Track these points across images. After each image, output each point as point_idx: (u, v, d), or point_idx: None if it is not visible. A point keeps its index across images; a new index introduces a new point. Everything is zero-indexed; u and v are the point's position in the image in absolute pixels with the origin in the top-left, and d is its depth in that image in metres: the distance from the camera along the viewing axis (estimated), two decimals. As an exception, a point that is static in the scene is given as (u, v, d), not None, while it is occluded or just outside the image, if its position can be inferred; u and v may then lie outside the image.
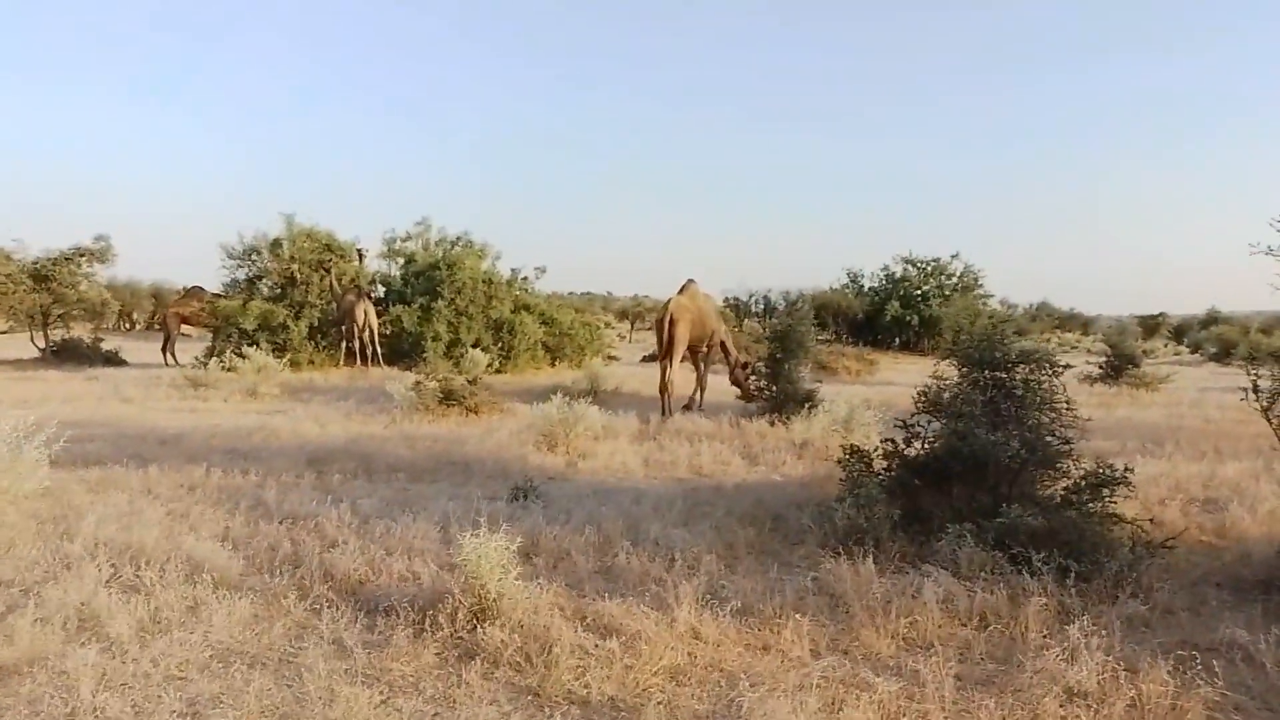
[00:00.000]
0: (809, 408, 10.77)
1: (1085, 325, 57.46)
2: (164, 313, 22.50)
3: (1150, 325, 52.37)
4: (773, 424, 11.22)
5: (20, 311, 23.38)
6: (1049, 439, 5.62)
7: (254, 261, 20.88)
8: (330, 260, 20.38)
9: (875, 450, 6.30)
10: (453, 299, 19.85)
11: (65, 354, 22.24)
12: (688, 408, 13.76)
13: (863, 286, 39.52)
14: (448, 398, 12.17)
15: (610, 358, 26.06)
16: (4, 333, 28.97)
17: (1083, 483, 5.25)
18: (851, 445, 6.34)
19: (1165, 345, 44.85)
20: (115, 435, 9.88)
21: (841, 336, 36.48)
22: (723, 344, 14.61)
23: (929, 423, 6.12)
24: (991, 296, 37.08)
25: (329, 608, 4.13)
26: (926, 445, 5.98)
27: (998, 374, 5.82)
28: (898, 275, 37.88)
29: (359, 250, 21.10)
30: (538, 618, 3.91)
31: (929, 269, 37.25)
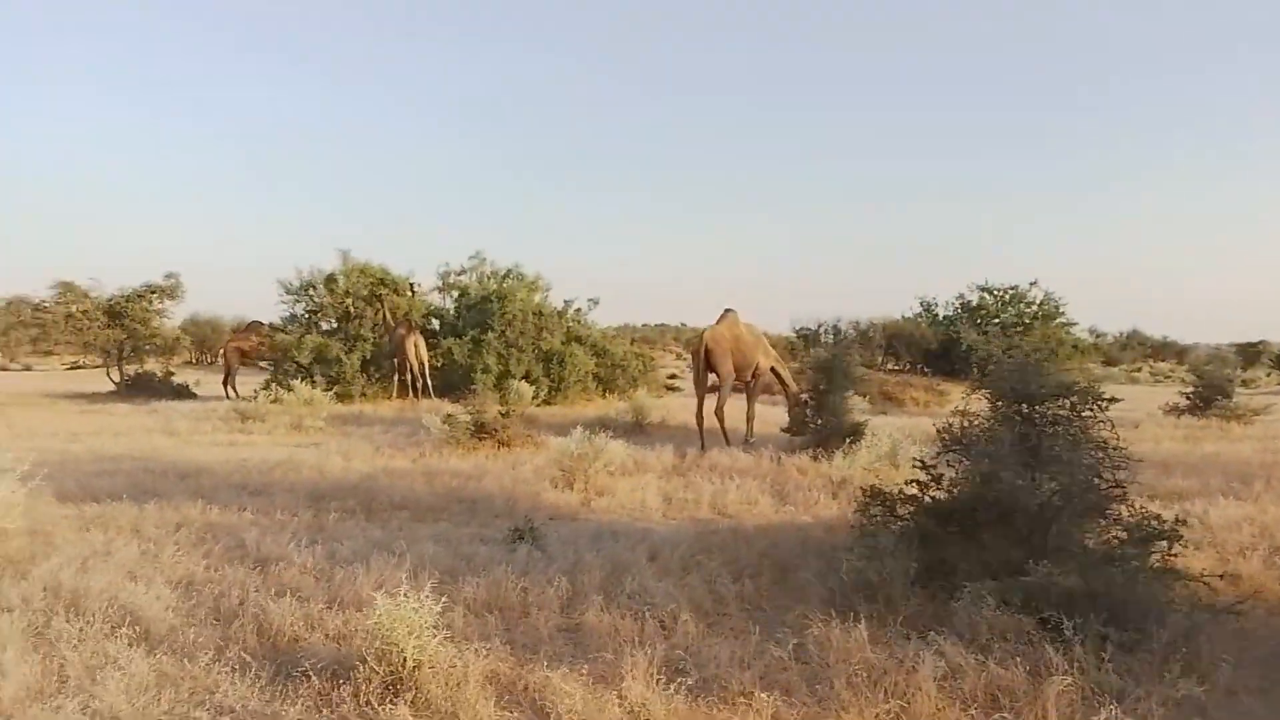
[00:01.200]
0: (851, 441, 10.04)
1: (1180, 354, 54.32)
2: (224, 347, 22.91)
3: (1250, 354, 49.10)
4: (815, 459, 10.55)
5: (96, 346, 24.26)
6: (1095, 481, 4.89)
7: (310, 296, 21.13)
8: (383, 294, 20.47)
9: (898, 492, 5.63)
10: (503, 331, 19.67)
11: (138, 387, 22.88)
12: (746, 440, 13.16)
13: (936, 315, 38.19)
14: (479, 431, 11.84)
15: (671, 389, 25.61)
16: (82, 368, 30.18)
17: (1126, 535, 4.50)
18: (871, 486, 5.67)
19: (1267, 375, 41.95)
20: (141, 469, 9.80)
21: (915, 366, 35.18)
22: (779, 375, 13.98)
23: (959, 462, 5.43)
24: (1075, 324, 35.40)
25: (239, 672, 3.70)
26: (952, 489, 5.29)
27: (1032, 409, 5.10)
28: (974, 303, 36.48)
29: (411, 284, 21.17)
30: (458, 692, 3.40)
31: (1007, 297, 35.76)
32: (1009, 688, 3.58)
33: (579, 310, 22.61)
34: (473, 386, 18.31)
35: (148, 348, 24.67)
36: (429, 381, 19.14)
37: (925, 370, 34.04)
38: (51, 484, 8.55)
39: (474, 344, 19.62)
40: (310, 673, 3.58)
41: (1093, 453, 4.97)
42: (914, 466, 5.66)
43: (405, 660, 3.42)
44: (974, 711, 3.47)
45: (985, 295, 36.19)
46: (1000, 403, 5.41)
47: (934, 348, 34.70)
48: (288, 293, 21.30)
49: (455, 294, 22.63)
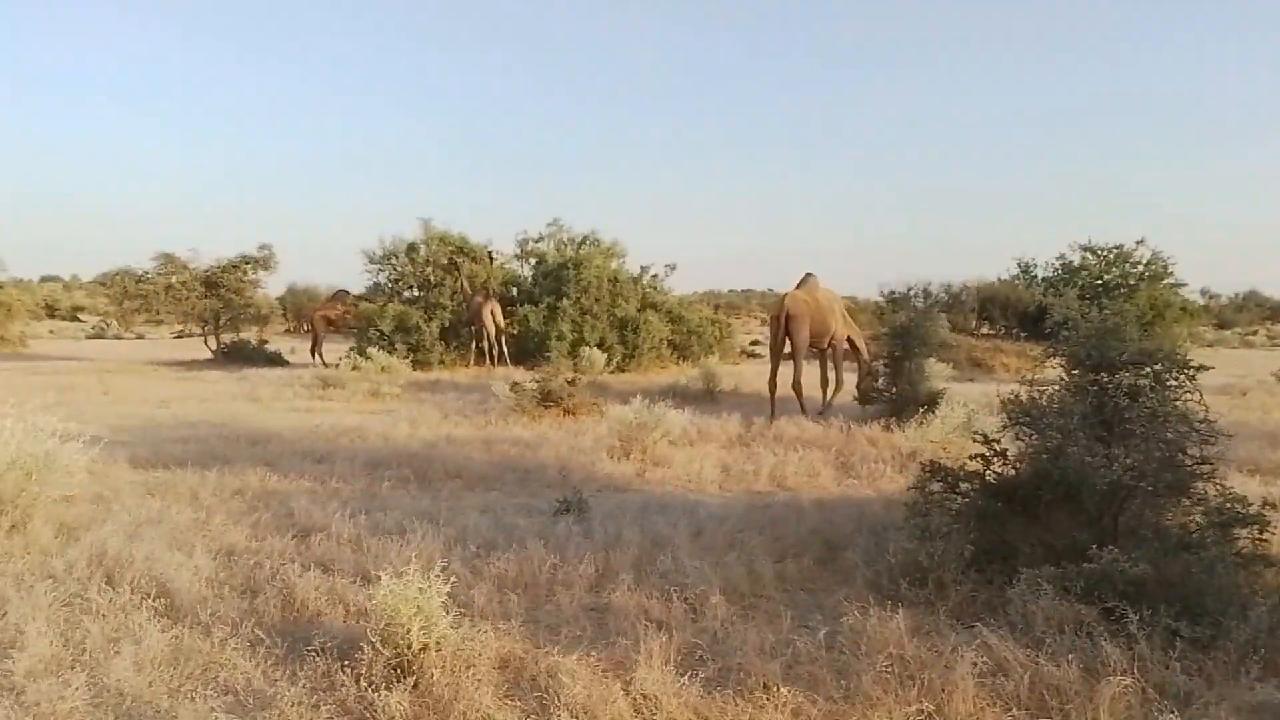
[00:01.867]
0: (926, 411, 9.55)
1: (1304, 316, 50.59)
2: (311, 315, 23.56)
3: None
4: (888, 429, 10.11)
5: (193, 315, 25.30)
6: (1177, 458, 4.41)
7: (392, 265, 21.48)
8: (461, 262, 20.63)
9: (961, 467, 5.24)
10: (578, 298, 19.60)
11: (234, 355, 23.78)
12: (821, 413, 12.76)
13: (1035, 277, 36.33)
14: (545, 399, 11.79)
15: (752, 355, 25.20)
16: (188, 336, 31.55)
17: (1205, 520, 4.04)
18: (930, 460, 5.29)
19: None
20: (217, 435, 10.08)
21: (1010, 331, 33.63)
22: (853, 344, 13.46)
23: (1027, 436, 5.00)
24: (1184, 285, 33.16)
25: (253, 648, 3.66)
26: (1016, 464, 4.89)
27: (1109, 378, 4.63)
28: (1075, 264, 34.54)
29: (489, 252, 21.28)
30: (461, 679, 3.26)
31: (1111, 257, 33.71)
32: (1060, 687, 3.24)
33: (655, 276, 22.38)
34: (547, 354, 18.35)
35: (243, 317, 25.59)
36: (504, 349, 19.25)
37: (1021, 335, 32.53)
38: (129, 449, 8.92)
39: (549, 311, 19.62)
40: (321, 650, 3.50)
41: (1176, 426, 4.49)
42: (975, 440, 5.24)
43: (410, 643, 3.29)
44: (1017, 713, 3.14)
45: (1088, 255, 34.21)
46: (1076, 371, 4.96)
47: (1031, 311, 33.06)
48: (371, 262, 21.74)
49: (533, 261, 22.67)
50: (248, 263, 25.13)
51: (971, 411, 9.05)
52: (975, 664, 3.29)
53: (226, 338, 24.88)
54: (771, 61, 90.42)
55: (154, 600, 4.10)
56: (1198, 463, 4.51)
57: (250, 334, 26.26)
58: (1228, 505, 4.03)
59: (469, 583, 4.48)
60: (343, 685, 3.26)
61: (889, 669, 3.36)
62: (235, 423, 11.42)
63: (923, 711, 3.08)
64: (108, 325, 41.58)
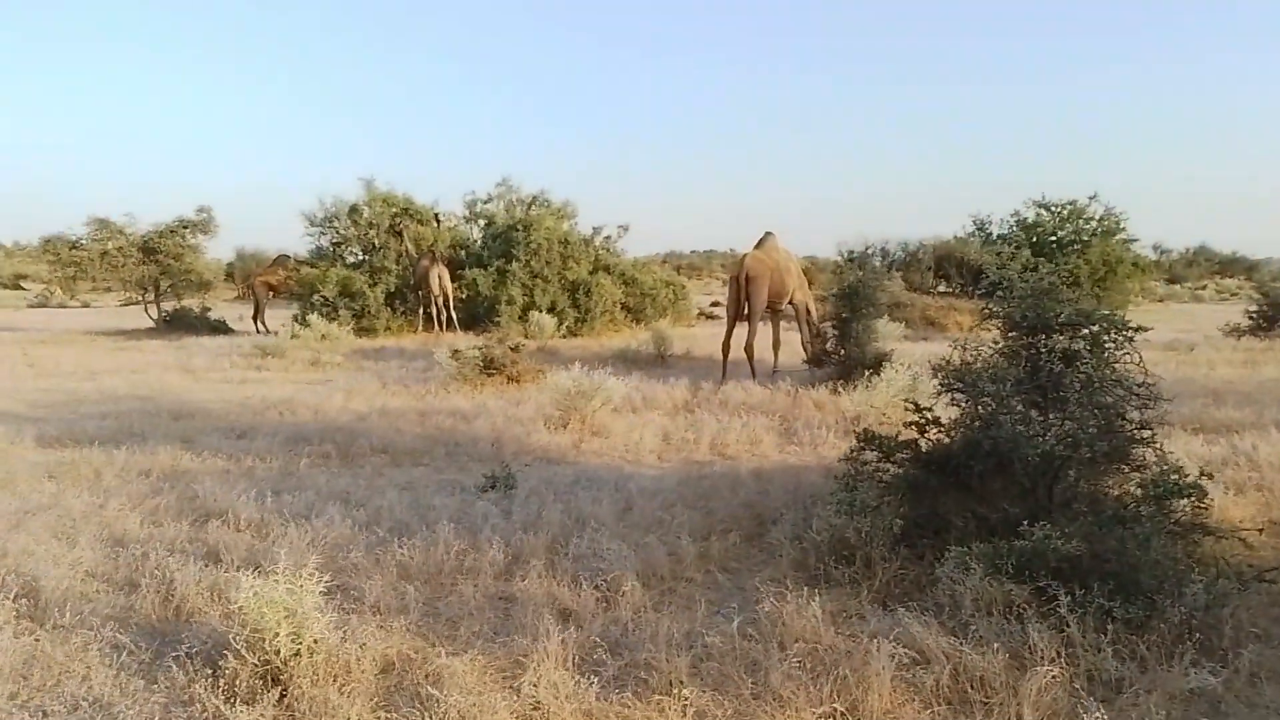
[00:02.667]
0: (872, 374, 9.36)
1: (1250, 270, 51.36)
2: (253, 281, 22.80)
3: (1330, 268, 46.24)
4: (836, 393, 9.94)
5: (131, 283, 24.36)
6: (1116, 424, 4.23)
7: (335, 228, 20.81)
8: (403, 224, 20.02)
9: (896, 436, 5.02)
10: (528, 261, 19.13)
11: (176, 324, 22.97)
12: (774, 371, 12.56)
13: (990, 235, 36.40)
14: (488, 366, 11.43)
15: (712, 317, 24.95)
16: (131, 304, 30.48)
17: (1141, 492, 3.86)
18: (864, 429, 5.06)
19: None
20: (139, 410, 9.61)
21: (965, 289, 33.72)
22: (807, 308, 13.24)
23: (962, 403, 4.79)
24: (1136, 240, 33.35)
25: (115, 653, 3.33)
26: (949, 432, 4.67)
27: (1044, 341, 4.41)
28: (1030, 220, 34.61)
29: (436, 214, 20.69)
30: (329, 690, 2.96)
31: (1064, 213, 33.80)
32: (984, 678, 3.03)
33: (608, 238, 21.94)
34: (496, 319, 17.95)
35: (183, 283, 24.70)
36: (453, 314, 18.79)
37: (976, 293, 32.66)
38: (40, 427, 8.45)
39: (498, 275, 19.15)
40: (188, 656, 3.19)
41: (1114, 391, 4.30)
42: (906, 408, 5.02)
43: (279, 649, 2.99)
44: (937, 708, 2.94)
45: (1042, 211, 34.27)
46: (1012, 334, 4.75)
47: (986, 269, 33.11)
48: (312, 225, 21.04)
49: (482, 223, 22.11)
50: (185, 227, 24.19)
51: (916, 374, 8.84)
52: (894, 655, 3.07)
53: (168, 306, 24.05)
54: (738, 21, 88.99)
55: (16, 600, 3.74)
56: (1137, 428, 4.34)
57: (193, 301, 25.41)
58: (1163, 476, 3.84)
59: (368, 573, 4.18)
60: (201, 698, 2.95)
61: (802, 663, 3.13)
62: (162, 396, 10.93)
63: (835, 712, 2.86)
64: (50, 294, 40.21)
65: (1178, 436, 7.34)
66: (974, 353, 4.74)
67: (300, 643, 3.03)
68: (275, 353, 15.15)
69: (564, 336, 18.15)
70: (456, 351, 11.63)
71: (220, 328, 22.70)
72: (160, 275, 23.82)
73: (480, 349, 11.63)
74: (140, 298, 24.54)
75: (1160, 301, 34.43)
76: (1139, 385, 4.33)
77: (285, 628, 3.00)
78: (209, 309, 24.43)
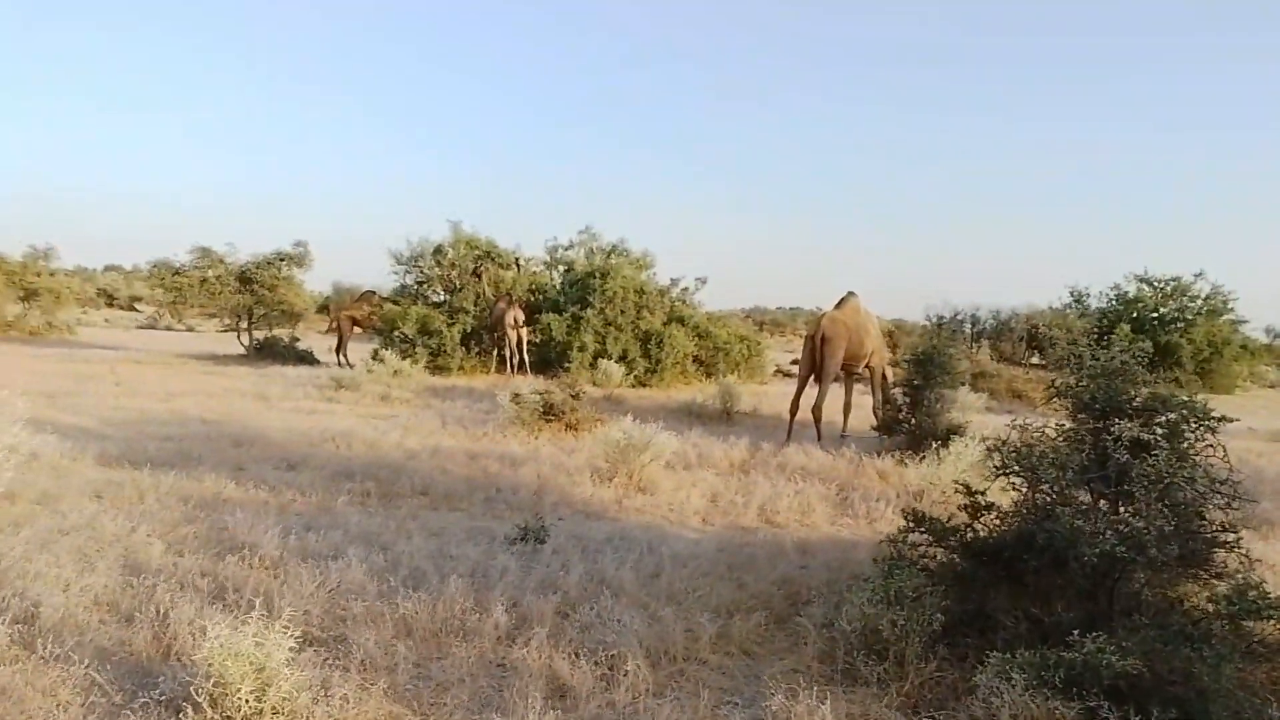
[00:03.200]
0: (941, 446, 8.84)
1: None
2: (337, 315, 23.44)
3: None
4: (902, 463, 9.45)
5: (227, 310, 25.41)
6: (1192, 524, 3.77)
7: (419, 268, 21.28)
8: (484, 266, 20.32)
9: (948, 518, 4.62)
10: (602, 309, 19.12)
11: (265, 352, 23.77)
12: (842, 435, 12.15)
13: (1088, 307, 34.97)
14: (547, 412, 11.32)
15: (788, 374, 24.50)
16: (229, 330, 31.77)
17: (1214, 608, 3.39)
18: (912, 508, 4.68)
19: None
20: (204, 433, 9.81)
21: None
22: (884, 373, 12.79)
23: (1021, 488, 4.37)
24: (1245, 322, 31.48)
25: (85, 694, 3.21)
26: (1002, 520, 4.26)
27: (1115, 425, 3.99)
28: (1130, 295, 33.14)
29: (516, 258, 20.96)
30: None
31: (1168, 289, 32.26)
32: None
33: (685, 289, 21.79)
34: (566, 364, 17.93)
35: (274, 313, 25.60)
36: (525, 357, 18.87)
37: (1048, 366, 31.31)
38: (106, 445, 8.67)
39: (573, 321, 19.18)
40: (155, 703, 3.04)
41: (1194, 487, 3.83)
42: (957, 489, 4.62)
43: (240, 707, 2.81)
44: None
45: (1144, 286, 32.80)
46: (1081, 415, 4.32)
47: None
48: (398, 263, 21.55)
49: (561, 269, 22.29)
50: (283, 259, 25.19)
51: (993, 445, 8.31)
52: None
53: (260, 334, 24.94)
54: (834, 70, 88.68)
55: (12, 626, 3.69)
56: (1218, 529, 3.86)
57: (283, 331, 26.28)
58: (1241, 591, 3.36)
59: (367, 625, 4.00)
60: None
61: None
62: (229, 421, 11.17)
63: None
64: (159, 316, 42.32)
65: (1249, 551, 6.65)
66: (1036, 433, 4.33)
67: (265, 701, 2.85)
68: (349, 385, 15.42)
69: (632, 386, 17.99)
70: (516, 395, 11.56)
71: (306, 358, 23.37)
72: (254, 304, 24.80)
73: (540, 394, 11.54)
74: (234, 324, 25.55)
75: (1271, 388, 32.24)
76: (1222, 481, 3.86)
77: (249, 683, 2.82)
78: (298, 339, 25.24)
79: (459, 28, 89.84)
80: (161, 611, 3.92)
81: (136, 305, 55.27)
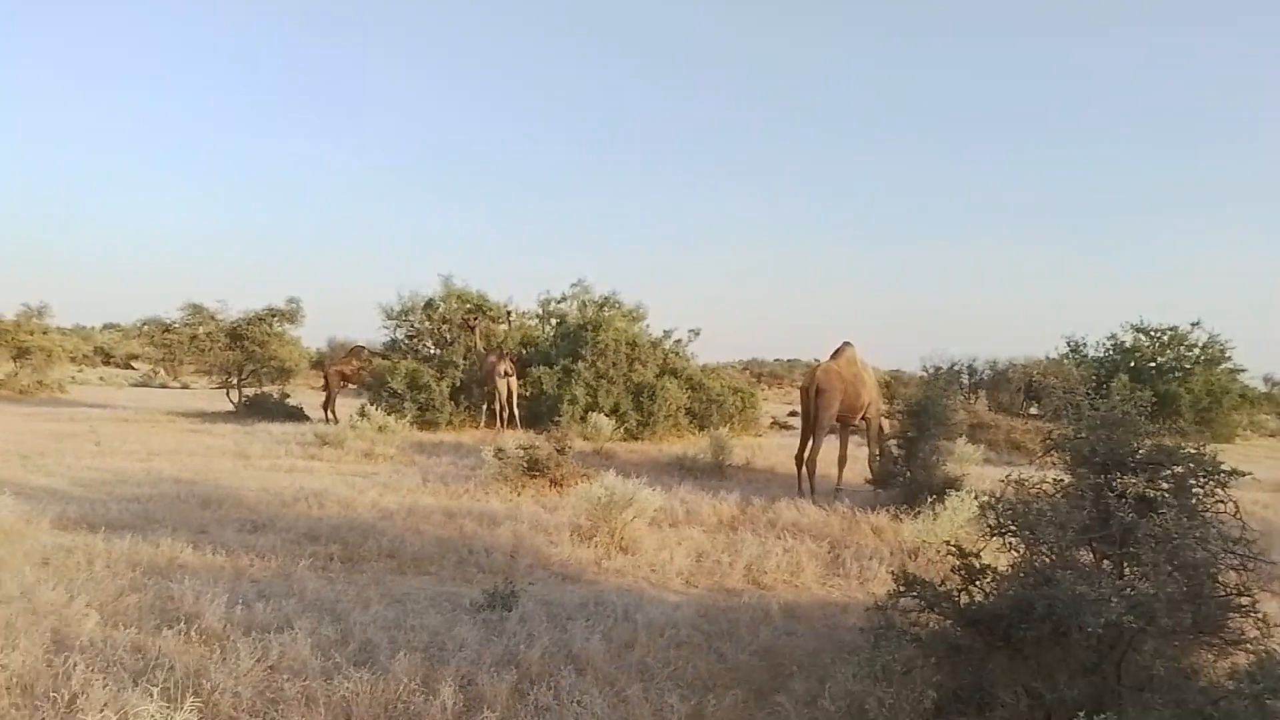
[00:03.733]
0: (937, 500, 8.49)
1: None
2: (326, 370, 23.18)
3: None
4: (897, 518, 9.09)
5: (216, 366, 25.16)
6: (1205, 588, 3.43)
7: (409, 322, 21.09)
8: (475, 319, 20.12)
9: (941, 582, 4.27)
10: (594, 361, 18.87)
11: (255, 408, 23.43)
12: (837, 489, 11.81)
13: (1085, 356, 34.77)
14: (531, 468, 10.97)
15: (786, 426, 24.19)
16: (223, 387, 31.49)
17: (1235, 686, 3.03)
18: (903, 571, 4.33)
19: None
20: (173, 494, 9.43)
21: (1059, 413, 32.01)
22: (880, 425, 12.47)
23: (1015, 549, 4.03)
24: (1243, 370, 31.19)
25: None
26: (998, 584, 3.92)
27: (1118, 482, 3.67)
28: (1127, 345, 32.97)
29: (507, 311, 20.79)
30: None
31: (1165, 339, 32.10)
32: None
33: (679, 341, 21.57)
34: (557, 418, 17.61)
35: (265, 370, 25.35)
36: (515, 411, 18.56)
37: (1044, 417, 31.01)
38: (67, 506, 8.32)
39: (564, 374, 18.91)
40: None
41: (1205, 547, 3.51)
42: (949, 551, 4.28)
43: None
44: None
45: (1140, 336, 32.66)
46: (1081, 470, 4.01)
47: (1082, 391, 31.44)
48: (389, 317, 21.36)
49: (554, 321, 22.09)
50: (274, 315, 25.04)
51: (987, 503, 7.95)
52: None
53: (250, 390, 24.66)
54: (827, 124, 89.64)
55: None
56: (1232, 593, 3.53)
57: (274, 387, 25.98)
58: (1266, 666, 3.02)
59: (300, 709, 3.63)
60: None
61: None
62: (203, 480, 10.80)
63: None
64: (154, 374, 42.06)
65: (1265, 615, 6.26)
66: (1033, 489, 4.02)
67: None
68: (333, 442, 15.08)
69: (624, 439, 17.63)
70: (500, 450, 11.23)
71: (296, 414, 23.01)
72: (244, 360, 24.57)
73: (525, 449, 11.21)
74: (224, 381, 25.26)
75: (1272, 436, 31.87)
76: (1235, 540, 3.53)
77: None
78: (288, 395, 24.91)
79: (475, 69, 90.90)
80: (70, 696, 3.55)
81: (133, 363, 55.10)
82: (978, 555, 4.07)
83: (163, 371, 40.54)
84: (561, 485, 10.85)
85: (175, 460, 12.86)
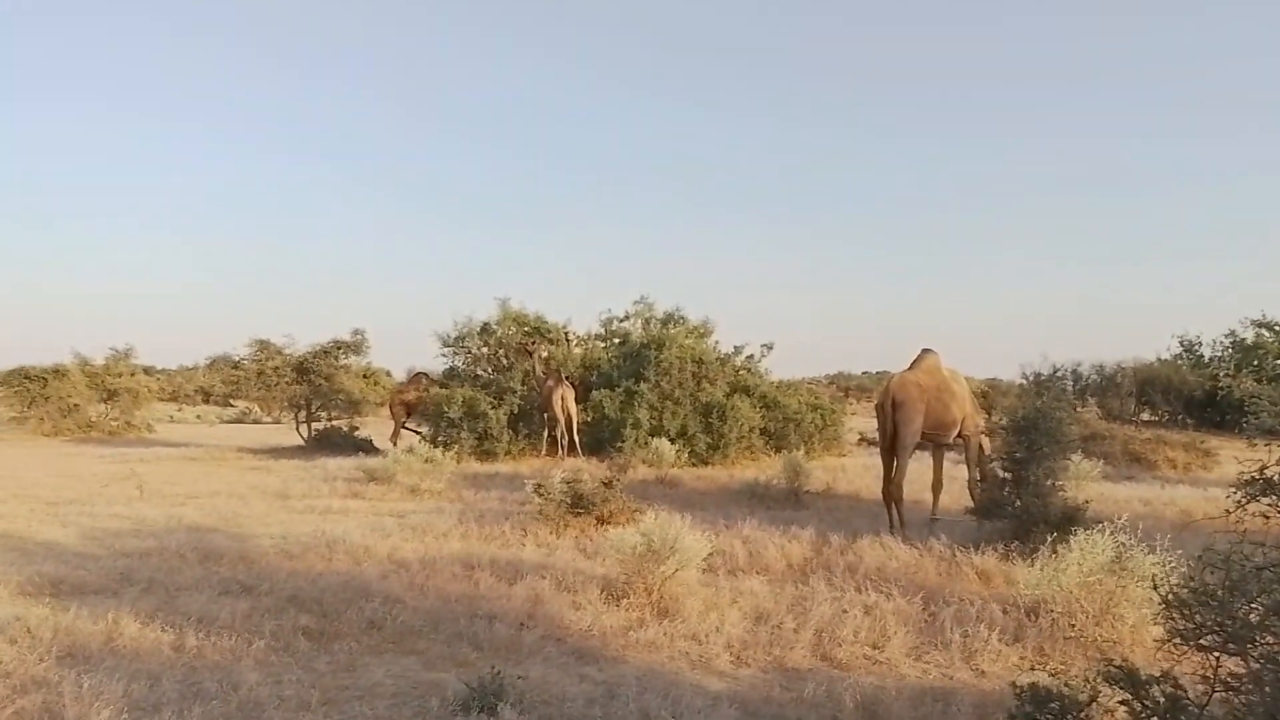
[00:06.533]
0: (1053, 537, 6.81)
1: None
2: (390, 400, 22.49)
3: None
4: (1006, 559, 7.46)
5: (284, 401, 24.88)
6: None
7: (466, 348, 20.20)
8: (533, 342, 19.06)
9: (1089, 691, 2.76)
10: (658, 381, 17.54)
11: (323, 442, 22.96)
12: (932, 519, 10.22)
13: (1201, 357, 31.70)
14: (575, 504, 9.70)
15: (871, 443, 22.36)
16: (278, 423, 31.32)
17: None
18: (1029, 688, 2.84)
19: None
20: (179, 548, 8.42)
21: (1175, 418, 29.11)
22: (980, 443, 10.75)
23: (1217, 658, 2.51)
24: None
25: None
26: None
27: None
28: (1249, 342, 29.83)
29: (565, 332, 19.69)
30: None
31: (1293, 333, 28.88)
32: None
33: (750, 357, 20.06)
34: (619, 444, 16.33)
35: (333, 403, 24.94)
36: (575, 438, 17.39)
37: (1188, 422, 28.11)
38: (49, 565, 7.46)
39: (626, 396, 17.63)
40: None
41: None
42: (1108, 674, 2.75)
43: None
44: None
45: (1263, 332, 29.48)
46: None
47: (1198, 395, 28.54)
48: (445, 345, 20.50)
49: (616, 342, 20.85)
50: (339, 348, 24.67)
51: (1124, 541, 6.22)
52: None
53: (320, 425, 24.30)
54: (930, 125, 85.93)
55: None
56: None
57: (343, 421, 25.55)
58: None
59: None
60: None
61: None
62: (224, 529, 9.89)
63: None
64: (249, 411, 42.69)
65: None
66: (1239, 561, 2.49)
67: None
68: (381, 478, 14.17)
69: (692, 465, 16.22)
70: (540, 486, 9.99)
71: (365, 446, 22.39)
72: (312, 394, 24.21)
73: (569, 484, 9.95)
74: (294, 416, 24.97)
75: None
76: None
77: None
78: (357, 428, 24.40)
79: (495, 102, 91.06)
80: None
81: (232, 401, 56.57)
82: (1162, 680, 2.55)
83: (257, 409, 41.04)
84: (609, 522, 9.53)
85: (209, 504, 12.07)
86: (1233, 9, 71.58)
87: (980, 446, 10.69)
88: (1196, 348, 32.15)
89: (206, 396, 57.04)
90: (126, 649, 5.16)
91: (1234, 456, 4.00)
